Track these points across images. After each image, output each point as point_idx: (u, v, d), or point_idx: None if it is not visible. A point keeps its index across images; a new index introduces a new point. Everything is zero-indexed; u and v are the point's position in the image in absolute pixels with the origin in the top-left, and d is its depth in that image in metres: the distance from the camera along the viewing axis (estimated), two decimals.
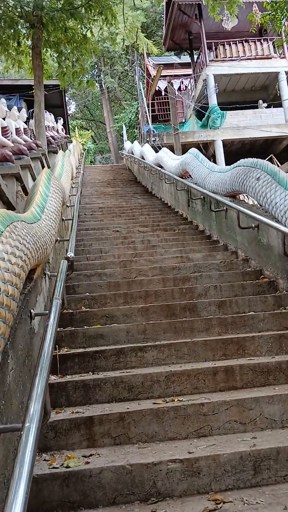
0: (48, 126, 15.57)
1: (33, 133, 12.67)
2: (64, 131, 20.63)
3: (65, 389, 3.46)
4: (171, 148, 14.47)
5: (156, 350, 4.00)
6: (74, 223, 6.66)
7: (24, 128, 11.07)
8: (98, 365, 3.92)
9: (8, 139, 7.87)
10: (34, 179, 7.23)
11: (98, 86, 35.46)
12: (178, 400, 3.30)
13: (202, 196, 8.59)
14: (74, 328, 4.60)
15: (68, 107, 41.16)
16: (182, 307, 4.97)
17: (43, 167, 9.53)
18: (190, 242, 7.92)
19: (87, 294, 5.52)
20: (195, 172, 8.85)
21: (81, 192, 13.07)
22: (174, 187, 10.88)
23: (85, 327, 4.63)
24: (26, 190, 6.38)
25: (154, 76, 22.49)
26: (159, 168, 12.31)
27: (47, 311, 3.41)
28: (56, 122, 18.50)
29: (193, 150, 9.54)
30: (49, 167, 10.50)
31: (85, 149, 29.94)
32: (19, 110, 11.03)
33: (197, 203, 9.06)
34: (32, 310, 3.46)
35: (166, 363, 3.98)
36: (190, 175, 9.96)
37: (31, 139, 12.38)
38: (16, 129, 9.84)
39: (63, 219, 7.22)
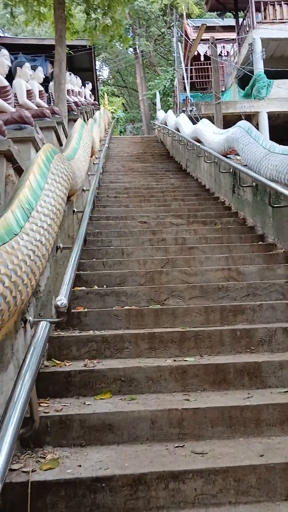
0: (72, 90, 13.74)
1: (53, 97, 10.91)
2: (93, 97, 18.72)
3: None
4: (210, 120, 12.47)
5: (202, 480, 2.29)
6: (78, 242, 4.51)
7: (40, 91, 9.30)
8: (100, 504, 2.24)
9: (9, 103, 6.12)
10: None
11: (133, 50, 33.16)
12: None
13: (254, 183, 6.74)
14: (68, 406, 2.90)
15: (100, 73, 38.96)
16: (238, 369, 3.23)
17: (58, 139, 7.78)
18: (238, 244, 6.11)
19: (97, 332, 3.81)
20: (247, 152, 6.97)
21: (104, 170, 11.32)
22: (216, 167, 9.00)
23: (86, 404, 2.93)
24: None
25: (193, 39, 20.29)
26: (197, 143, 10.38)
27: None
28: (84, 87, 16.58)
29: (244, 123, 7.61)
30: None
31: (114, 118, 27.93)
32: (34, 69, 9.23)
33: (246, 191, 7.21)
34: None
35: (218, 502, 2.28)
36: (237, 154, 8.08)
37: (49, 104, 10.65)
38: (27, 91, 8.08)
39: (74, 211, 5.51)
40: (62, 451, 2.61)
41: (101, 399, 3.04)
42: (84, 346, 3.57)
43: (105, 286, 4.79)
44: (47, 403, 2.96)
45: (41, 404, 2.92)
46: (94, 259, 5.59)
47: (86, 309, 4.27)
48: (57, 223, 3.49)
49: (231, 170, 7.94)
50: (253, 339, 3.69)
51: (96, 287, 4.77)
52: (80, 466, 2.41)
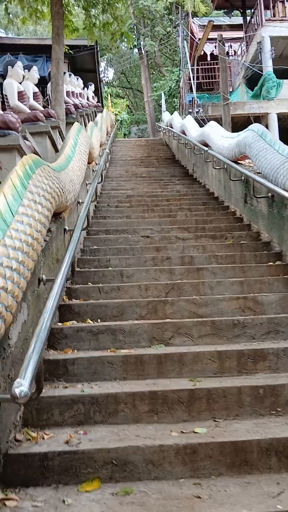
0: (72, 92, 13.05)
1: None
2: (96, 99, 18.01)
3: None
4: (218, 122, 11.72)
5: None
6: (60, 281, 3.09)
7: (34, 92, 8.62)
8: None
9: None
10: None
11: (138, 50, 32.43)
12: None
13: (270, 194, 6.00)
14: (41, 507, 2.19)
15: (105, 74, 38.25)
16: (263, 448, 2.50)
17: (54, 145, 7.09)
18: (253, 264, 5.38)
19: (85, 387, 3.09)
20: (261, 159, 6.24)
21: (105, 176, 10.60)
22: (225, 174, 8.28)
23: (66, 504, 2.20)
24: None
25: (200, 38, 19.57)
26: (205, 148, 9.64)
27: None
28: (86, 88, 15.88)
29: (257, 127, 6.88)
30: None
31: (118, 120, 27.21)
32: (29, 68, 8.54)
33: (261, 201, 6.47)
34: None
35: None
36: (250, 160, 7.36)
37: (47, 107, 9.96)
38: (19, 92, 7.39)
39: (65, 230, 4.80)
40: None
41: (86, 491, 2.33)
42: (69, 409, 2.86)
43: (99, 320, 4.08)
44: (14, 499, 2.25)
45: (6, 503, 2.22)
46: (89, 284, 4.88)
47: (75, 351, 3.58)
48: (34, 256, 2.78)
49: (242, 178, 7.20)
50: (280, 398, 2.96)
51: (89, 320, 4.07)
52: None
